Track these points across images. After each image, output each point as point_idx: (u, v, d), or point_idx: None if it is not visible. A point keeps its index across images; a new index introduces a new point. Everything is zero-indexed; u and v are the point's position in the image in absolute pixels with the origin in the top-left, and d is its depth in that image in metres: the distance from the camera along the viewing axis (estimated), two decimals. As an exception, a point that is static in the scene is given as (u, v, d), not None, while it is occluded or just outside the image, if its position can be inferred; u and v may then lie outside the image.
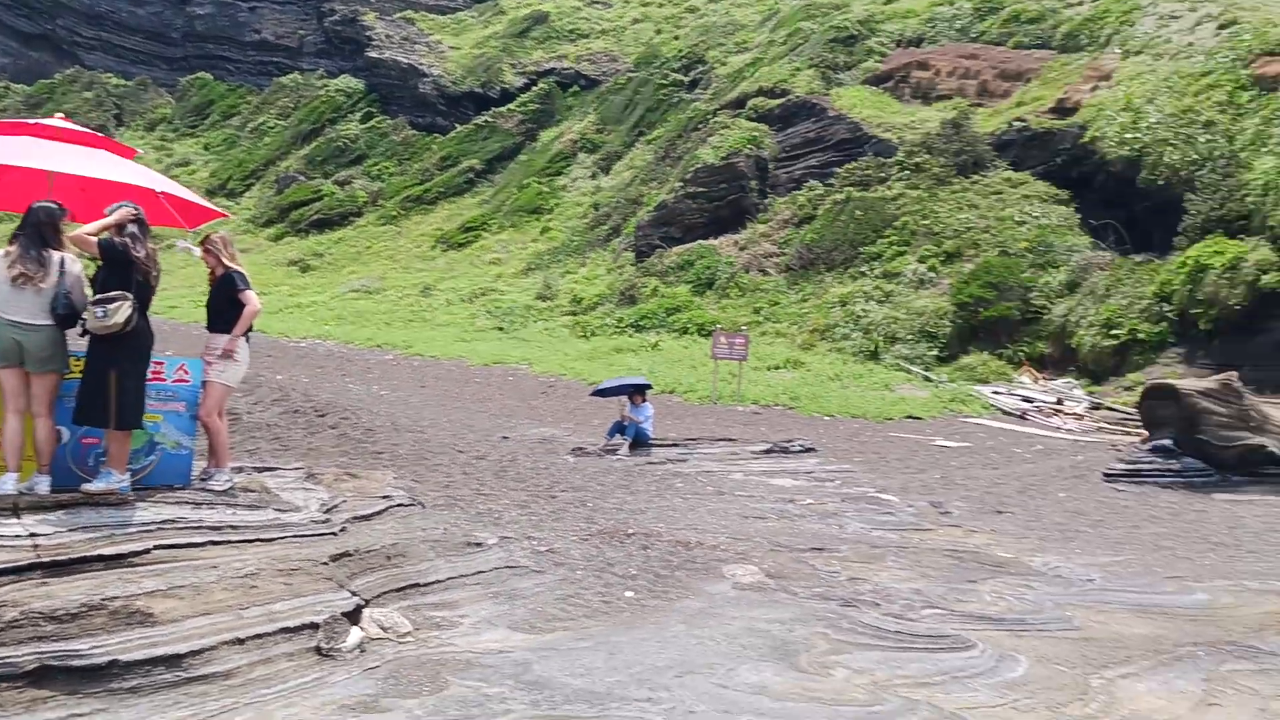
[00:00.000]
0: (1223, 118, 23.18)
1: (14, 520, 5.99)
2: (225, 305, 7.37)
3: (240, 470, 9.50)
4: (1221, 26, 28.06)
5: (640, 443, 15.25)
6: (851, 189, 32.30)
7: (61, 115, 8.52)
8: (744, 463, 14.53)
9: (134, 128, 65.04)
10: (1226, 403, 12.84)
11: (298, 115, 60.61)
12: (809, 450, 15.45)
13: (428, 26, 64.25)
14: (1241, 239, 19.14)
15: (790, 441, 15.81)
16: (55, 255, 6.42)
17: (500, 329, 32.75)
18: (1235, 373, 13.85)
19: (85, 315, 6.39)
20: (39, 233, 6.42)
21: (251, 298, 7.34)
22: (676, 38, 57.06)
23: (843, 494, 12.36)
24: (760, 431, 17.48)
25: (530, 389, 23.44)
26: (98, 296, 6.46)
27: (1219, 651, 6.48)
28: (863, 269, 28.86)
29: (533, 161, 50.82)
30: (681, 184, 36.65)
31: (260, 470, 9.42)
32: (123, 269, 6.52)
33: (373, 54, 60.35)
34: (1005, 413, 20.16)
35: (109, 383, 6.54)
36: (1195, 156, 23.01)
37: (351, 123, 58.67)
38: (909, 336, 24.73)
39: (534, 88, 56.41)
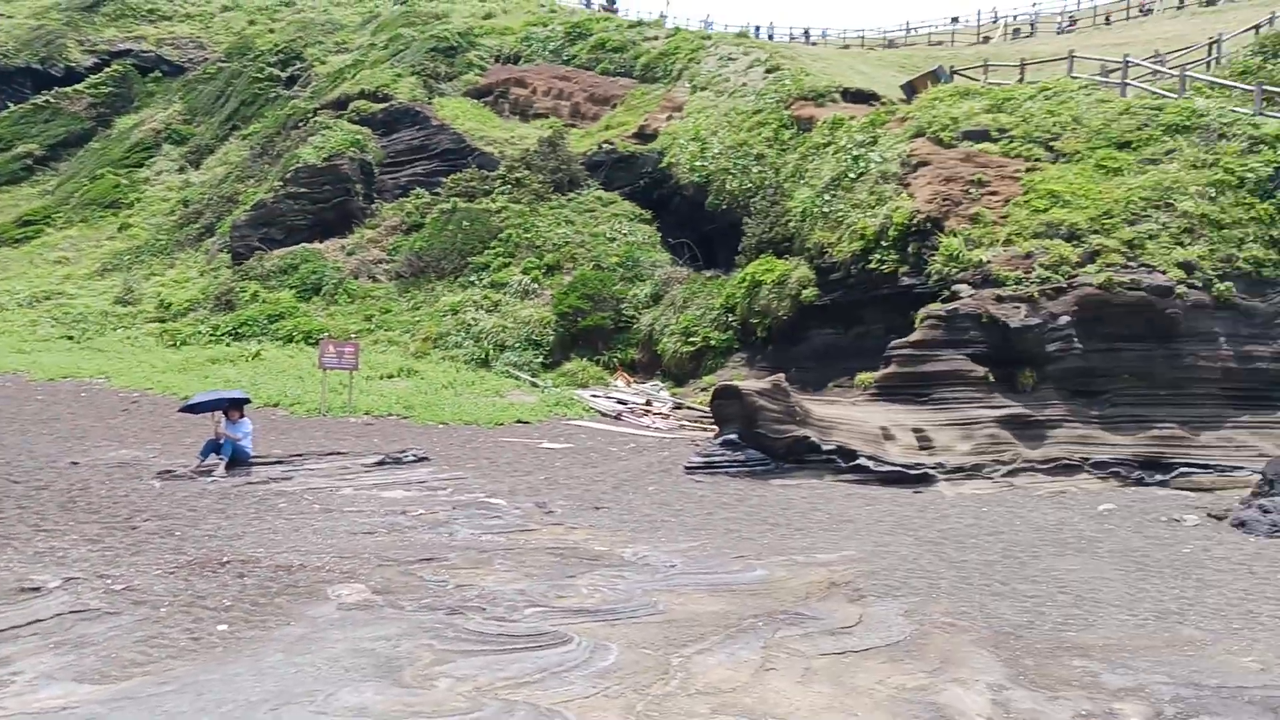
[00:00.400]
0: (770, 151, 26.81)
1: None
2: None
3: None
4: (768, 71, 32.33)
5: (239, 461, 14.49)
6: (458, 199, 32.83)
7: None
8: (354, 477, 14.35)
9: None
10: (777, 400, 14.98)
11: None
12: (422, 460, 15.61)
13: (-30, -14, 55.10)
14: (787, 259, 22.31)
15: (403, 452, 15.86)
16: None
17: (70, 338, 29.11)
18: (783, 375, 16.20)
19: None
20: None
21: None
22: (272, 30, 54.11)
23: (454, 501, 12.67)
24: (373, 443, 17.31)
25: (108, 406, 21.17)
26: None
27: (774, 621, 7.56)
28: (472, 278, 29.47)
29: (108, 150, 45.56)
30: (282, 183, 34.94)
31: None
32: None
33: (-110, 11, 50.48)
34: (603, 414, 21.72)
35: None
36: (750, 185, 26.39)
37: None
38: (517, 344, 25.73)
39: (107, 69, 50.59)
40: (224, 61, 50.69)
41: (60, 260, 37.01)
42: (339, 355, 21.30)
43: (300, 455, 15.67)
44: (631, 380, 24.28)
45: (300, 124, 39.92)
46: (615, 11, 55.26)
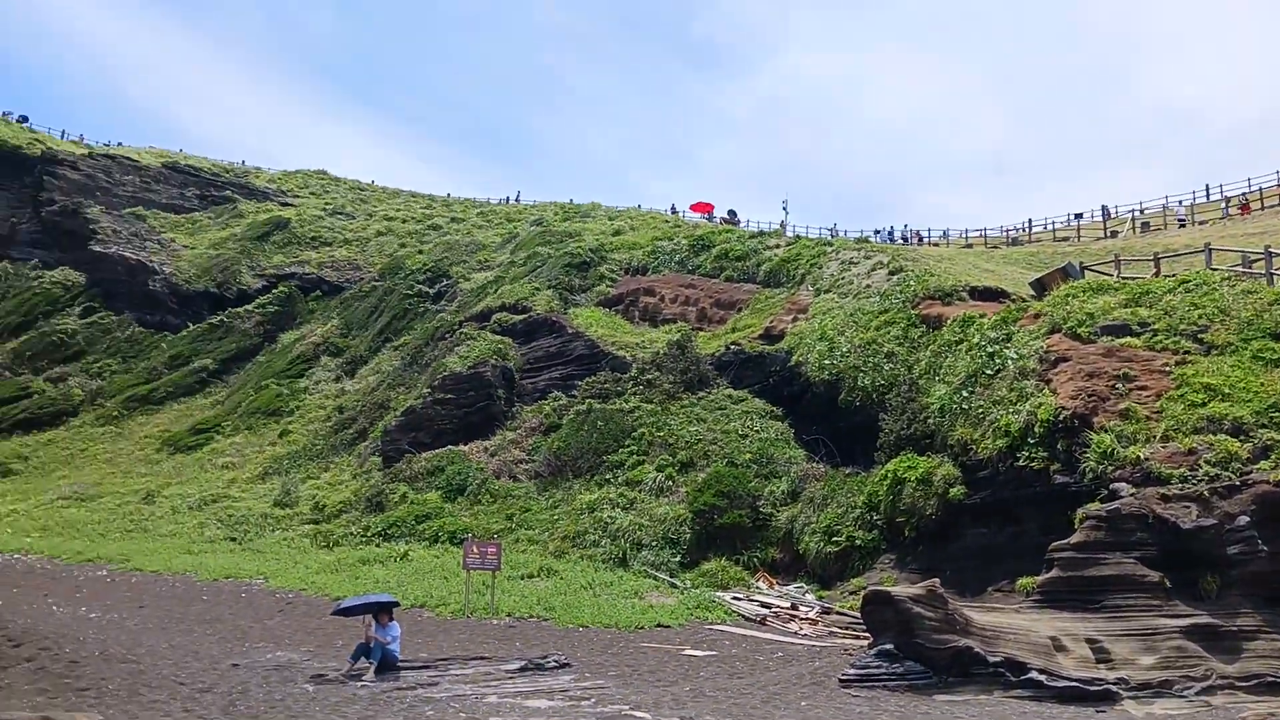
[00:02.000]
0: (900, 349, 26.91)
1: None
2: None
3: None
4: (892, 272, 33.00)
5: (388, 665, 14.65)
6: (593, 400, 33.95)
7: None
8: (498, 683, 14.27)
9: None
10: (934, 607, 14.29)
11: (5, 307, 55.71)
12: (564, 666, 15.45)
13: (159, 224, 62.35)
14: (928, 455, 21.92)
15: (545, 658, 15.77)
16: None
17: (233, 539, 30.64)
18: (937, 579, 15.52)
19: None
20: None
21: None
22: (421, 252, 58.84)
23: (597, 713, 12.38)
24: (515, 647, 17.29)
25: (266, 606, 21.95)
26: None
27: None
28: (608, 476, 29.96)
29: (272, 363, 49.36)
30: (430, 390, 36.97)
31: None
32: None
33: (97, 248, 57.40)
34: (746, 619, 21.15)
35: None
36: (883, 381, 26.40)
37: (69, 317, 54.66)
38: (653, 542, 25.69)
39: (274, 290, 55.65)
40: (378, 280, 55.03)
41: (227, 465, 39.58)
42: (482, 556, 21.70)
43: (446, 659, 15.75)
44: (774, 582, 23.70)
45: (446, 335, 42.60)
46: (737, 223, 58.10)
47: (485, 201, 74.23)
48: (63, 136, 75.66)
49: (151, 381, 48.56)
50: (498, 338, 39.52)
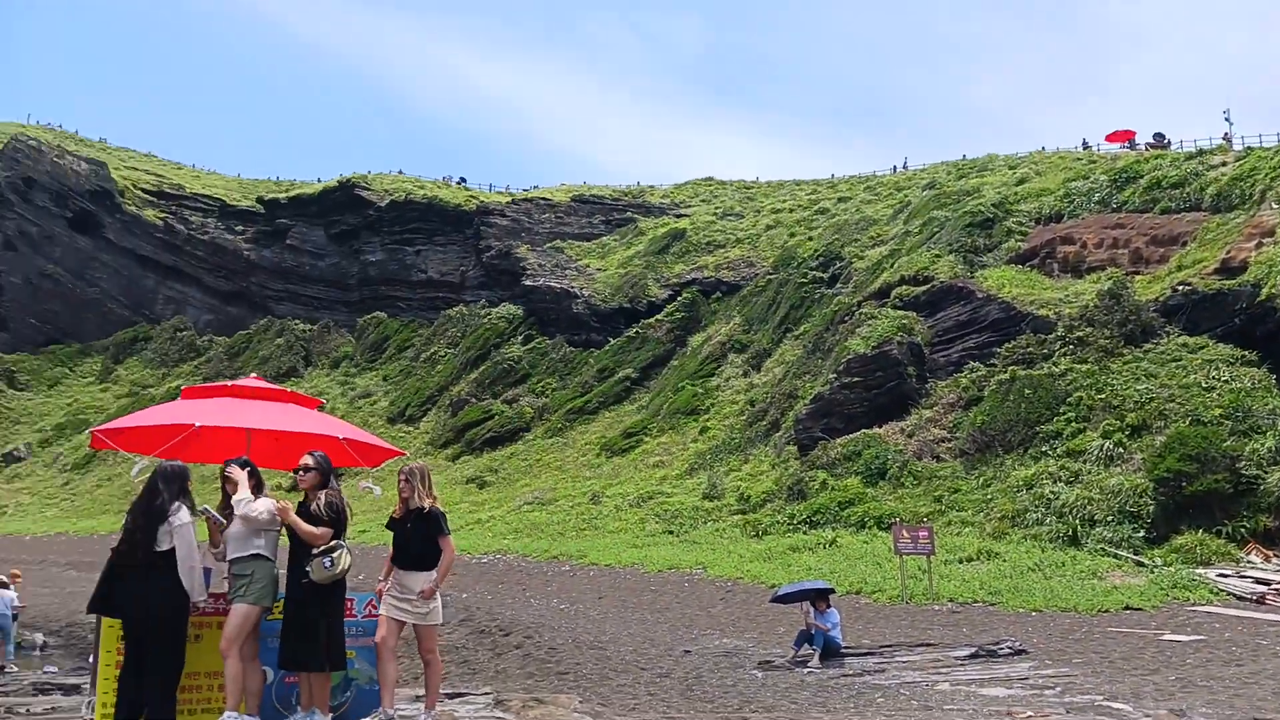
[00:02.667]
0: None
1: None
2: (422, 543, 7.25)
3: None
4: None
5: (831, 652, 14.45)
6: (1015, 367, 31.45)
7: (255, 375, 9.32)
8: (948, 670, 13.48)
9: (320, 366, 70.65)
10: None
11: (465, 343, 64.58)
12: (1019, 652, 14.27)
13: (575, 253, 68.38)
14: None
15: (997, 643, 14.67)
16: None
17: (670, 532, 32.54)
18: None
19: (310, 568, 6.72)
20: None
21: (451, 544, 7.32)
22: (810, 238, 58.71)
23: (1066, 703, 11.19)
24: (962, 633, 16.32)
25: (708, 595, 22.88)
26: (321, 548, 6.76)
27: None
28: (1043, 449, 27.52)
29: (684, 365, 52.03)
30: (835, 375, 36.58)
31: (451, 696, 9.59)
32: (341, 523, 6.94)
33: (528, 282, 64.41)
34: (1237, 598, 18.21)
35: (321, 628, 6.82)
36: None
37: (514, 346, 61.98)
38: (1108, 518, 23.03)
39: (678, 298, 58.63)
40: (771, 274, 55.82)
41: (657, 464, 42.32)
42: (914, 540, 20.87)
43: (890, 646, 15.25)
44: (1270, 555, 20.18)
45: (846, 318, 41.96)
46: (1166, 146, 50.70)
47: (871, 176, 72.43)
48: (490, 189, 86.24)
49: (585, 394, 53.48)
50: (900, 313, 38.10)
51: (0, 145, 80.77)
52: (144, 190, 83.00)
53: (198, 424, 7.59)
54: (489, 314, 66.41)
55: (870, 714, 10.85)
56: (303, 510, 6.99)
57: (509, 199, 77.45)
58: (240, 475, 7.11)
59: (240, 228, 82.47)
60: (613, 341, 58.15)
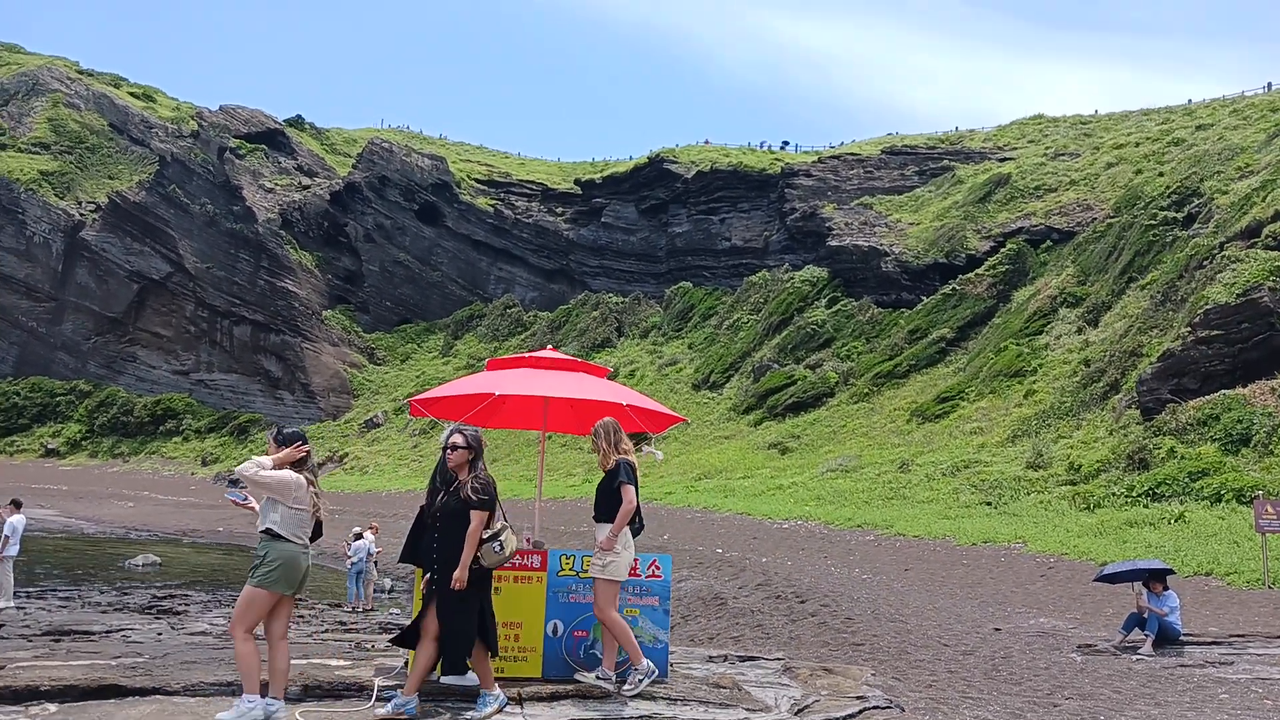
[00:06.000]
0: None
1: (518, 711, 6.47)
2: (610, 496, 7.21)
3: (725, 659, 9.69)
4: None
5: (1167, 639, 12.56)
6: None
7: (551, 347, 9.92)
8: (1324, 669, 11.07)
9: (631, 336, 73.65)
10: None
11: (768, 309, 64.25)
12: None
13: (885, 208, 65.62)
14: None
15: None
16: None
17: (988, 504, 30.03)
18: None
19: (480, 554, 6.59)
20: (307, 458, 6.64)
21: (629, 493, 7.09)
22: (1161, 174, 51.88)
23: None
24: (1351, 627, 13.39)
25: (1026, 571, 20.79)
26: (488, 533, 6.65)
27: None
28: None
29: (1008, 323, 48.07)
30: (1189, 329, 31.83)
31: (742, 659, 9.66)
32: (494, 503, 6.77)
33: (833, 243, 62.68)
34: None
35: (485, 612, 6.74)
36: None
37: (818, 309, 60.70)
38: None
39: (1001, 249, 54.31)
40: (1112, 217, 50.06)
41: (974, 430, 39.37)
42: (1279, 516, 17.55)
43: (1242, 636, 12.99)
44: None
45: (1205, 263, 36.48)
46: None
47: (1239, 97, 62.53)
48: (795, 149, 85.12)
49: (894, 358, 50.98)
50: (1272, 254, 32.38)
51: (360, 149, 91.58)
52: (477, 180, 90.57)
53: (498, 392, 8.35)
54: (792, 278, 65.53)
55: (1210, 711, 9.27)
56: (450, 487, 6.81)
57: (814, 158, 75.93)
58: (271, 452, 6.68)
59: (560, 209, 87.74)
60: (925, 300, 55.10)
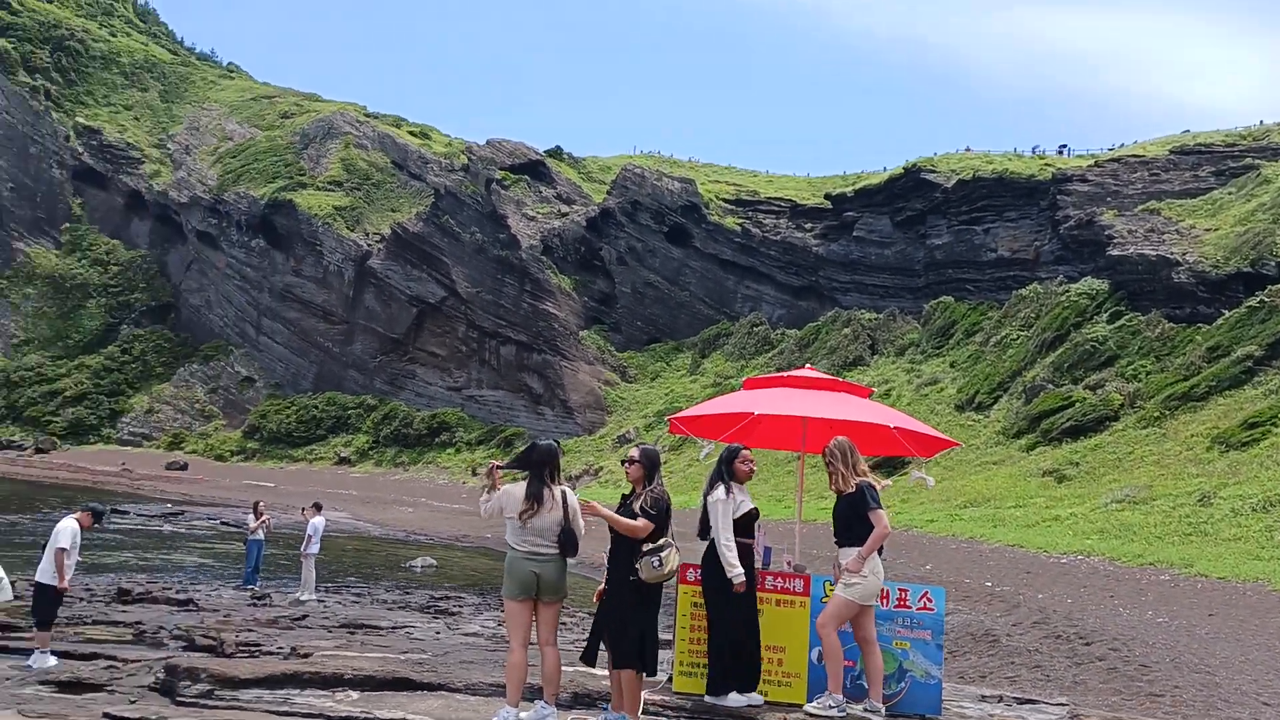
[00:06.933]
0: None
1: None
2: (854, 520, 7.16)
3: (1000, 700, 9.34)
4: None
5: None
6: None
7: (809, 366, 9.90)
8: None
9: (886, 354, 71.11)
10: None
11: (1040, 324, 59.94)
12: None
13: (1175, 214, 59.66)
14: None
15: None
16: (556, 489, 7.08)
17: (1308, 546, 26.13)
18: None
19: (639, 565, 6.77)
20: (542, 470, 7.10)
21: (882, 518, 7.07)
22: None
23: None
24: None
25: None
26: (649, 547, 6.82)
27: None
28: None
29: (1330, 339, 41.94)
30: None
31: (1020, 702, 9.25)
32: (664, 518, 6.93)
33: (1115, 252, 57.67)
34: None
35: (642, 631, 6.76)
36: None
37: (1098, 324, 55.85)
38: None
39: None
40: None
41: (1291, 461, 34.44)
42: None
43: None
44: None
45: None
46: None
47: None
48: (1068, 154, 79.25)
49: (1190, 378, 45.63)
50: None
51: (614, 176, 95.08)
52: (724, 200, 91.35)
53: (756, 412, 8.45)
54: (1067, 290, 60.71)
55: None
56: (626, 504, 7.08)
57: (1090, 161, 70.39)
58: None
59: (809, 225, 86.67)
60: (1227, 314, 49.21)
